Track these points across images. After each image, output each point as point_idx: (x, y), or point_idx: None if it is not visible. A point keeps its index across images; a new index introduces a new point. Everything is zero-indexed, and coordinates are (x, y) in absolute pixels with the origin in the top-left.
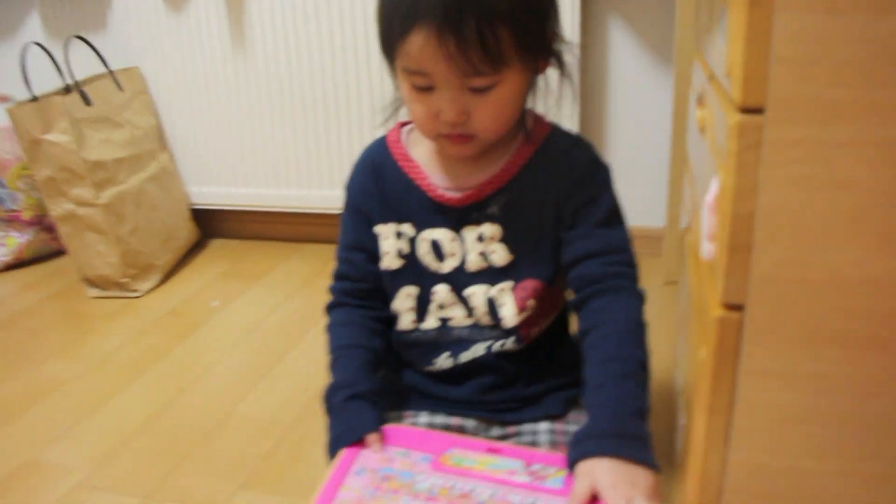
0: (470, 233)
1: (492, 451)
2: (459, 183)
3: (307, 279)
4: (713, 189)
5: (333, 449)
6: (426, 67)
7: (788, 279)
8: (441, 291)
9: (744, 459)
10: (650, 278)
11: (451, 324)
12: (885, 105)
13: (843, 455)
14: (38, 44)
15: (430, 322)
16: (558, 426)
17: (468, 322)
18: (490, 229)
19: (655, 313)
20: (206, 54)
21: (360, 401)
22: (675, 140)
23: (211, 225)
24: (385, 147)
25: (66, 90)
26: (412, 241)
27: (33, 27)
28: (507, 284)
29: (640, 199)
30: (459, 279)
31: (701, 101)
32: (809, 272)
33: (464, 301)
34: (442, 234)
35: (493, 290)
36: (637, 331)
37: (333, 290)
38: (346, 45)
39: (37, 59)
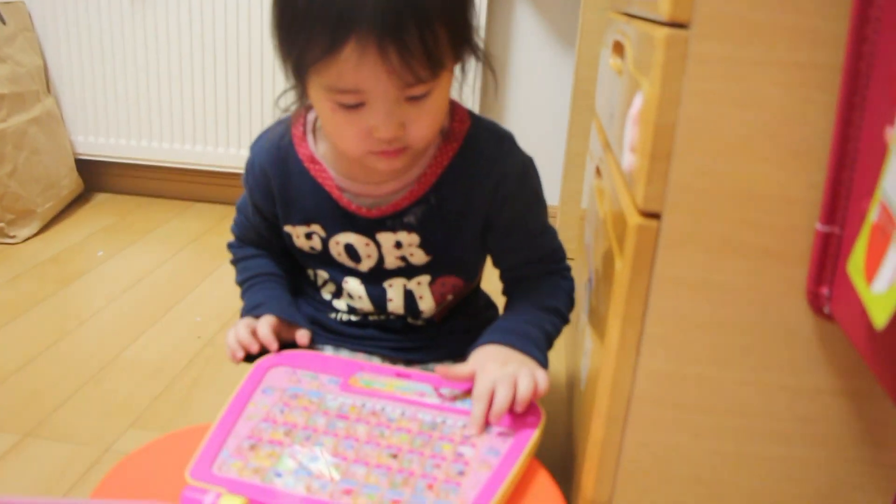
0: (386, 238)
1: (400, 375)
2: (371, 190)
3: (197, 235)
4: (637, 103)
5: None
6: (361, 84)
7: (703, 189)
8: (352, 284)
9: (653, 368)
10: None
11: (361, 309)
12: (797, 29)
13: (745, 364)
14: None
15: (341, 304)
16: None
17: (377, 315)
18: (407, 237)
19: None
20: (102, 10)
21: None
22: (573, 119)
23: (97, 177)
24: (290, 144)
25: None
26: (324, 241)
27: None
28: (424, 279)
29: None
30: (375, 276)
31: (617, 45)
32: (723, 184)
33: (375, 299)
34: (355, 239)
35: (411, 284)
36: (562, 294)
37: (235, 231)
38: (245, 2)
39: None
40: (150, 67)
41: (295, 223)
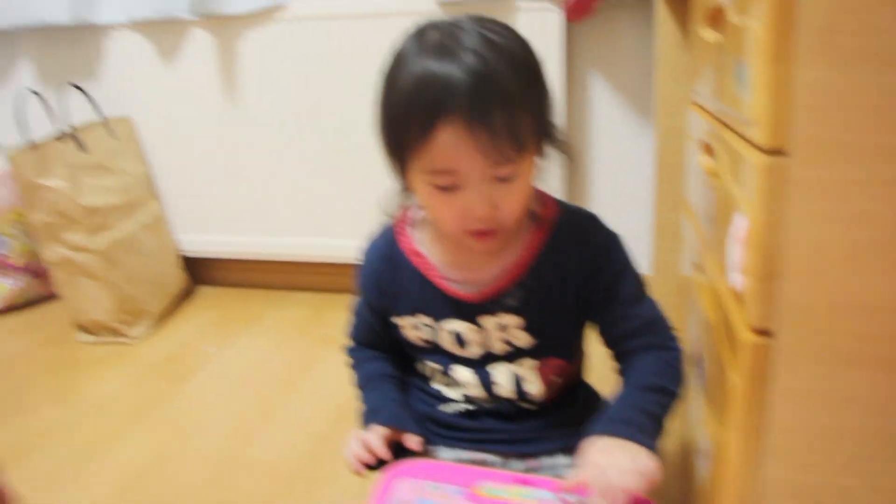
0: (490, 322)
1: (522, 482)
2: (472, 276)
3: (300, 326)
4: (741, 225)
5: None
6: (454, 164)
7: (815, 305)
8: (461, 372)
9: (779, 478)
10: None
11: (471, 397)
12: (891, 147)
13: (871, 470)
14: (33, 90)
15: (452, 393)
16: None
17: (488, 401)
18: (511, 319)
19: None
20: (197, 104)
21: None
22: (659, 189)
23: (200, 272)
24: (394, 241)
25: (62, 137)
26: (433, 329)
27: (26, 73)
28: (531, 362)
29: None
30: (483, 361)
31: (707, 148)
32: (835, 298)
33: (484, 384)
34: (461, 326)
35: (518, 368)
36: (668, 369)
37: (352, 334)
38: (338, 96)
39: (28, 106)
40: (246, 167)
41: (403, 314)
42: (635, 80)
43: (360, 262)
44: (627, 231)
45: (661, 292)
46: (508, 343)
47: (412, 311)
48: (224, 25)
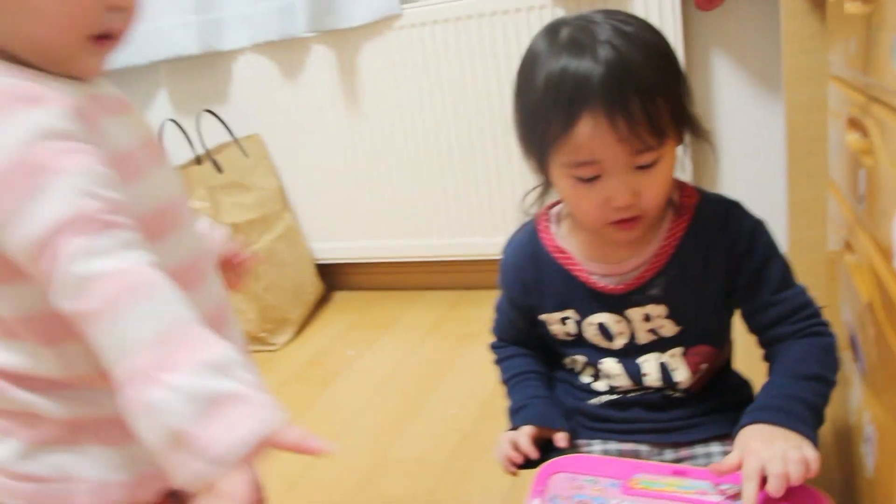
0: (635, 313)
1: (678, 473)
2: (615, 268)
3: (435, 325)
4: None
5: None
6: (596, 154)
7: None
8: (608, 363)
9: None
10: None
11: (619, 387)
12: None
13: None
14: (172, 119)
15: (600, 385)
16: (730, 447)
17: (635, 391)
18: (655, 309)
19: None
20: (321, 116)
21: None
22: (792, 167)
23: (335, 278)
24: (536, 238)
25: (199, 160)
26: (578, 324)
27: (163, 103)
28: (677, 350)
29: None
30: (630, 352)
31: (854, 123)
32: None
33: (632, 374)
34: (607, 318)
35: (665, 357)
36: (823, 356)
37: (496, 332)
38: (458, 97)
39: (168, 134)
40: (373, 172)
41: (550, 311)
42: (760, 54)
43: (503, 261)
44: (761, 209)
45: (801, 270)
46: (654, 332)
47: (558, 307)
48: (342, 39)
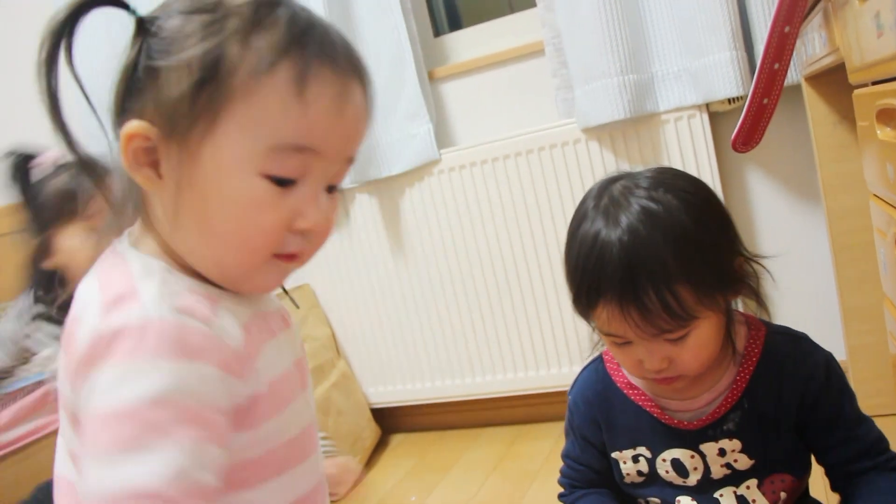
0: (710, 448)
1: None
2: (688, 404)
3: (496, 462)
4: None
5: None
6: (617, 332)
7: None
8: (684, 501)
9: None
10: None
11: None
12: None
13: None
14: None
15: None
16: None
17: None
18: (730, 444)
19: None
20: (368, 262)
21: None
22: (840, 273)
23: (391, 421)
24: (606, 375)
25: None
26: (651, 462)
27: None
28: (752, 482)
29: (811, 335)
30: (704, 487)
31: None
32: None
33: None
34: (680, 454)
35: (741, 489)
36: None
37: (564, 482)
38: (500, 234)
39: None
40: (421, 313)
41: (622, 448)
42: (794, 164)
43: (572, 401)
44: (815, 317)
45: (864, 377)
46: (728, 466)
47: (630, 445)
48: (384, 186)
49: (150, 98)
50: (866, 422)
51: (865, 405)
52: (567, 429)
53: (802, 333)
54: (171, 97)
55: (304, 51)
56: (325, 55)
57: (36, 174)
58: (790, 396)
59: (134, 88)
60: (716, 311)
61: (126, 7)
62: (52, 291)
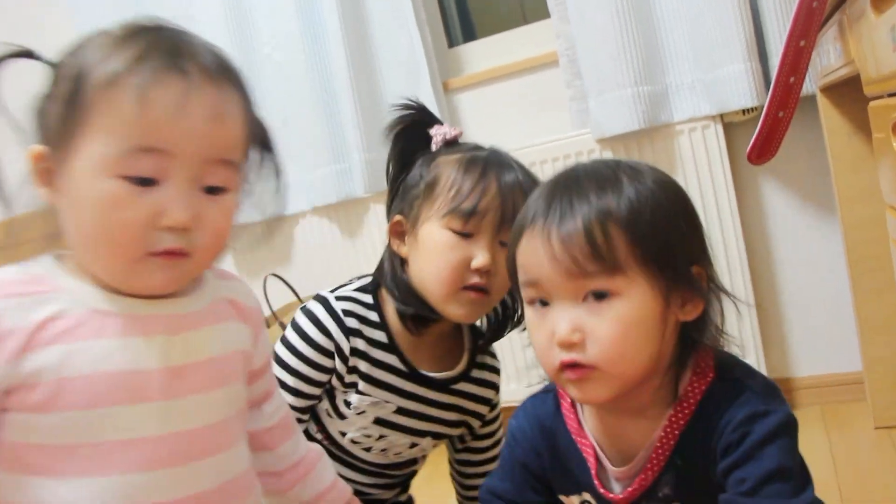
0: None
1: None
2: (625, 472)
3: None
4: None
5: None
6: (533, 273)
7: None
8: None
9: None
10: (858, 423)
11: None
12: None
13: None
14: None
15: None
16: None
17: None
18: None
19: (869, 459)
20: None
21: None
22: (856, 284)
23: None
24: (559, 415)
25: (268, 323)
26: None
27: (231, 269)
28: None
29: (828, 346)
30: None
31: None
32: None
33: None
34: None
35: None
36: None
37: None
38: None
39: None
40: None
41: (568, 492)
42: (808, 175)
43: (515, 427)
44: (828, 328)
45: (877, 387)
46: None
47: (577, 490)
48: None
49: (42, 122)
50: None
51: (882, 417)
52: (503, 460)
53: (760, 384)
54: (51, 117)
55: (149, 62)
56: (171, 64)
57: None
58: (713, 451)
59: (40, 116)
60: (649, 291)
61: (38, 58)
62: None
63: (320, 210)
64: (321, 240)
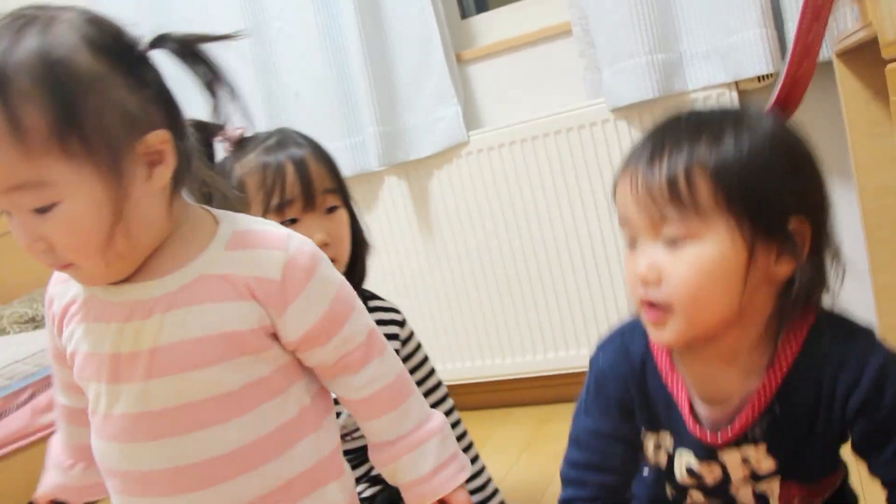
0: (732, 458)
1: None
2: (717, 411)
3: (527, 443)
4: None
5: None
6: (623, 211)
7: None
8: (696, 496)
9: None
10: None
11: None
12: None
13: None
14: None
15: None
16: None
17: None
18: (755, 452)
19: None
20: (398, 244)
21: None
22: (872, 251)
23: None
24: (647, 349)
25: None
26: (670, 458)
27: None
28: (775, 480)
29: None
30: (721, 486)
31: None
32: None
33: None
34: (697, 464)
35: (761, 486)
36: None
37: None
38: (529, 214)
39: None
40: (450, 295)
41: (648, 429)
42: (825, 142)
43: (604, 362)
44: (844, 295)
45: None
46: (750, 471)
47: (655, 427)
48: (413, 169)
49: None
50: None
51: None
52: (592, 399)
53: (862, 328)
54: None
55: None
56: None
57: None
58: (830, 404)
59: None
60: (731, 239)
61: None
62: None
63: None
64: None
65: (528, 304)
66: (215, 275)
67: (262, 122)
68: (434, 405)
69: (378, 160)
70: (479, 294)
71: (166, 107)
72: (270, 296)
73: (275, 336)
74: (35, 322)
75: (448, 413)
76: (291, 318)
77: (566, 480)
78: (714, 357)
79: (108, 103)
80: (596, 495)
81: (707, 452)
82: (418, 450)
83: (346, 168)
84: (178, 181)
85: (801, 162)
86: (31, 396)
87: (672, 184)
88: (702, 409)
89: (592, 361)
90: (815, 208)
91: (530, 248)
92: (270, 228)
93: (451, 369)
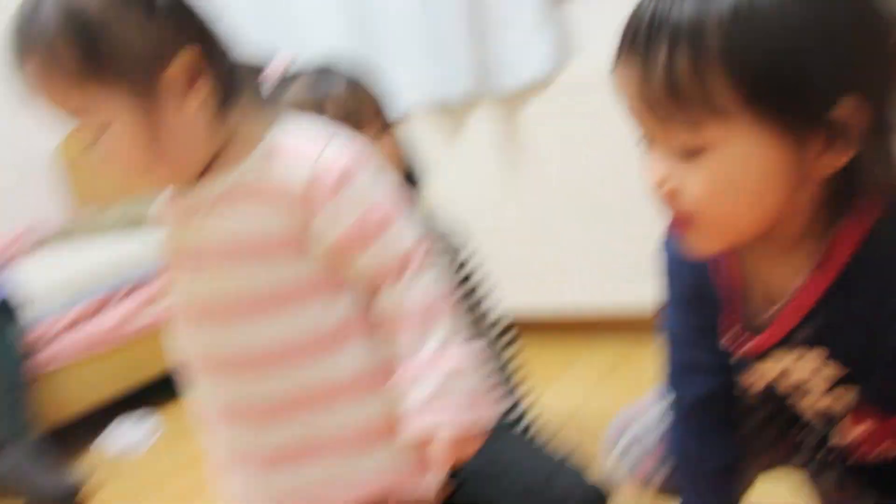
0: (780, 358)
1: None
2: (773, 287)
3: (608, 371)
4: None
5: None
6: (628, 102)
7: None
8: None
9: None
10: None
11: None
12: None
13: None
14: None
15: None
16: None
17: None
18: (810, 358)
19: None
20: (484, 176)
21: None
22: None
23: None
24: None
25: None
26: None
27: None
28: (844, 395)
29: None
30: (780, 398)
31: None
32: None
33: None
34: (750, 366)
35: (825, 401)
36: None
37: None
38: (618, 152)
39: None
40: (538, 228)
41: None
42: None
43: (671, 257)
44: None
45: None
46: (807, 377)
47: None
48: (503, 101)
49: None
50: None
51: None
52: (666, 302)
53: None
54: None
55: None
56: (9, 43)
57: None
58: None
59: None
60: (761, 140)
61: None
62: None
63: (424, 110)
64: (423, 141)
65: (616, 237)
66: (248, 183)
67: (350, 49)
68: (475, 336)
69: (467, 91)
70: (569, 227)
71: (192, 30)
72: (295, 207)
73: (305, 244)
74: (137, 224)
75: (494, 343)
76: (319, 228)
77: (666, 386)
78: (765, 249)
79: (126, 33)
80: (695, 393)
81: (758, 354)
82: (422, 378)
83: (436, 95)
84: (223, 97)
85: (849, 17)
86: (132, 291)
87: (673, 78)
88: (753, 310)
89: (663, 256)
90: (876, 82)
91: (623, 182)
92: (304, 143)
93: (538, 302)
